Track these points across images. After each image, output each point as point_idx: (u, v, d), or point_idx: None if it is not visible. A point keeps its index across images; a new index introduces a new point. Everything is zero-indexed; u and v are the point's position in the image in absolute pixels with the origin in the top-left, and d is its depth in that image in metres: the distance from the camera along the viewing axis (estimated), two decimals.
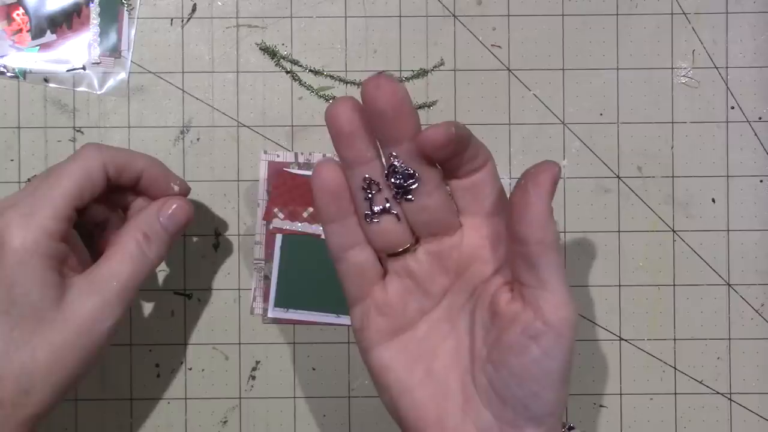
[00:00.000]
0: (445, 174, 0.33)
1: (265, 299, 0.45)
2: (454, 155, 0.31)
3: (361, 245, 0.34)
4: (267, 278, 0.45)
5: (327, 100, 0.45)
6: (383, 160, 0.32)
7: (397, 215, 0.33)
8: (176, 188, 0.41)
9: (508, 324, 0.31)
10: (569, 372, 0.31)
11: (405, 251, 0.34)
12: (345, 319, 0.45)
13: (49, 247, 0.35)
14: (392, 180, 0.32)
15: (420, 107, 0.46)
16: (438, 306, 0.34)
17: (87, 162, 0.37)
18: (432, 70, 0.46)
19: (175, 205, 0.40)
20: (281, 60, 0.45)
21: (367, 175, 0.32)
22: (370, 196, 0.32)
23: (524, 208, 0.30)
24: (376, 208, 0.33)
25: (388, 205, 0.32)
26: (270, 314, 0.45)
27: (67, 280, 0.36)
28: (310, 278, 0.45)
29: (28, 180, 0.45)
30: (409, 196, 0.32)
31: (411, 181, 0.32)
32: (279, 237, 0.45)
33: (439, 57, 0.46)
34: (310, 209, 0.45)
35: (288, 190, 0.45)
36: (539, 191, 0.30)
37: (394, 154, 0.31)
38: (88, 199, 0.37)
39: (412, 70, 0.46)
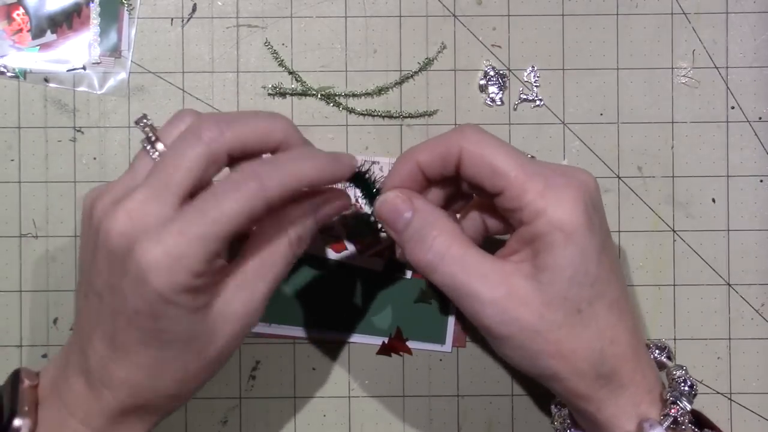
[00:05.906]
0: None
1: None
2: None
3: None
4: None
5: (327, 100, 0.45)
6: None
7: None
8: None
9: None
10: None
11: None
12: (327, 334, 0.45)
13: (196, 282, 0.31)
14: None
15: (420, 115, 0.46)
16: None
17: (250, 196, 0.31)
18: (435, 57, 0.46)
19: (338, 203, 0.37)
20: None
21: None
22: None
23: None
24: None
25: None
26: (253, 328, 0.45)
27: (214, 286, 0.33)
28: (292, 293, 0.45)
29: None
30: None
31: None
32: None
33: (439, 55, 0.46)
34: None
35: None
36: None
37: None
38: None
39: (419, 62, 0.46)
